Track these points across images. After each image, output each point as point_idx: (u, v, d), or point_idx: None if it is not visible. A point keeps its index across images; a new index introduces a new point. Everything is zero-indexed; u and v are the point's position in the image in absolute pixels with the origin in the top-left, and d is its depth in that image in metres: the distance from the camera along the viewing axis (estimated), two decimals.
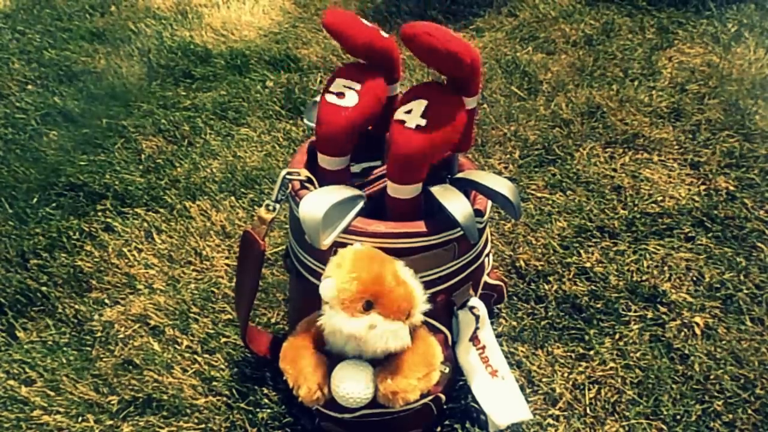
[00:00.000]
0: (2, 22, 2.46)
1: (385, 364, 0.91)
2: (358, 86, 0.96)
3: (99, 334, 1.28)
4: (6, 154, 1.76)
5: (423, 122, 0.89)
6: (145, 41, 2.26)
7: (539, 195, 1.52)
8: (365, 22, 1.01)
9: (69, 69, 2.13)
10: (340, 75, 0.98)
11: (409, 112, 0.90)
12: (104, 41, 2.29)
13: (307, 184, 0.99)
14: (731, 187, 1.50)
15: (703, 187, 1.51)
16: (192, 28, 2.35)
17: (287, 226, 1.19)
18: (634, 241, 1.39)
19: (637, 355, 1.19)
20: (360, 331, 0.87)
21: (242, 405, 1.14)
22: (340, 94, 0.96)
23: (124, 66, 2.13)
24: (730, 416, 1.10)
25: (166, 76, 2.07)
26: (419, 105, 0.90)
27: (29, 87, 2.06)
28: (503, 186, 0.94)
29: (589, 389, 1.15)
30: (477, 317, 1.01)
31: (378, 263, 0.89)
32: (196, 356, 1.22)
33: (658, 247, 1.38)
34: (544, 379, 1.17)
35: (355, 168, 1.08)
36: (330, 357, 0.94)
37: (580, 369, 1.18)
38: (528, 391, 1.15)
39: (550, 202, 1.50)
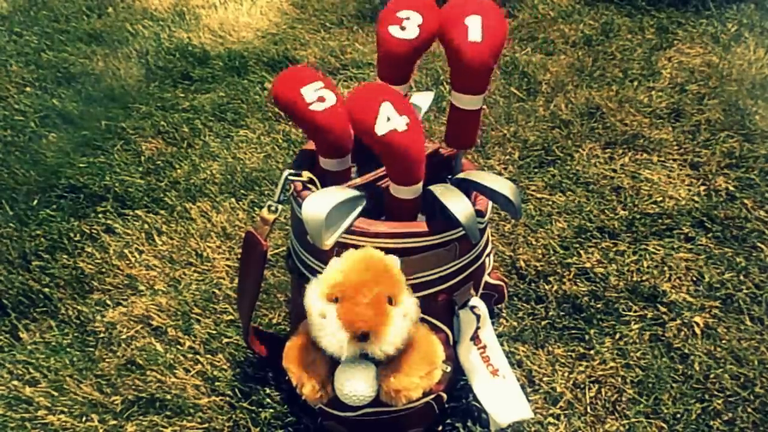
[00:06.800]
0: None
1: (387, 362, 0.92)
2: (328, 91, 0.97)
3: (102, 334, 1.28)
4: (5, 157, 1.76)
5: (404, 124, 0.90)
6: (143, 43, 2.26)
7: (539, 196, 1.52)
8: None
9: (67, 71, 2.13)
10: (312, 80, 0.98)
11: (389, 119, 0.90)
12: (102, 43, 2.30)
13: (309, 185, 0.99)
14: (731, 188, 1.50)
15: (702, 188, 1.51)
16: (190, 29, 2.35)
17: (288, 227, 1.19)
18: (634, 242, 1.40)
19: (638, 354, 1.20)
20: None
21: (245, 405, 1.14)
22: (321, 98, 0.95)
23: (122, 68, 2.13)
24: (730, 415, 1.10)
25: (164, 77, 2.07)
26: (385, 108, 0.91)
27: (27, 89, 2.06)
28: (504, 186, 0.95)
29: (590, 388, 1.15)
30: (478, 317, 1.02)
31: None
32: (198, 356, 1.23)
33: (658, 248, 1.38)
34: (544, 379, 1.17)
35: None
36: (332, 356, 0.94)
37: (581, 368, 1.18)
38: (529, 390, 1.15)
39: (550, 202, 1.50)
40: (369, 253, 0.90)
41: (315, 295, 0.89)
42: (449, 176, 1.05)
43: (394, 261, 0.90)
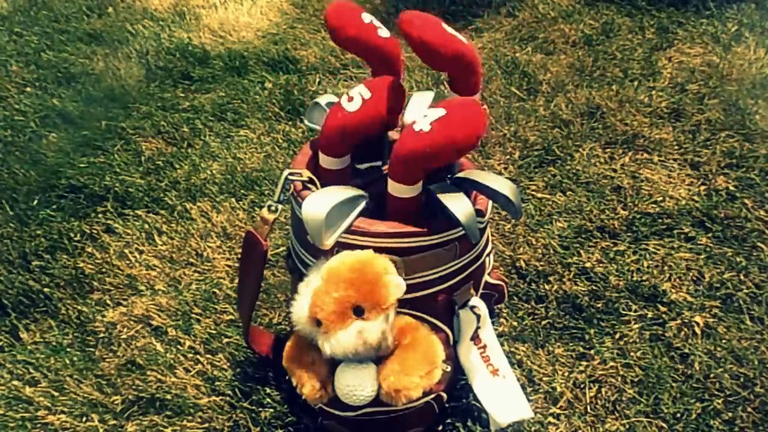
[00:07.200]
0: None
1: (387, 362, 0.92)
2: (368, 95, 0.97)
3: (102, 334, 1.28)
4: (6, 157, 1.76)
5: (427, 128, 0.89)
6: (143, 43, 2.26)
7: (539, 195, 1.52)
8: (367, 18, 1.01)
9: (67, 71, 2.13)
10: (365, 82, 0.99)
11: (426, 116, 0.91)
12: (102, 43, 2.29)
13: (309, 185, 0.99)
14: (731, 188, 1.50)
15: (703, 188, 1.51)
16: (190, 29, 2.35)
17: (288, 227, 1.19)
18: (634, 241, 1.40)
19: (638, 354, 1.20)
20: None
21: (245, 404, 1.14)
22: (351, 98, 0.97)
23: (123, 68, 2.13)
24: (730, 414, 1.10)
25: (164, 77, 2.07)
26: (436, 113, 0.91)
27: (28, 89, 2.06)
28: (504, 186, 0.95)
29: (590, 388, 1.15)
30: (478, 316, 1.02)
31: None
32: (198, 356, 1.23)
33: (658, 247, 1.38)
34: (544, 378, 1.17)
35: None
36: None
37: (581, 368, 1.18)
38: (529, 390, 1.15)
39: (550, 202, 1.50)
40: (371, 259, 0.90)
41: (317, 267, 0.92)
42: (449, 176, 1.05)
43: (389, 281, 0.89)
